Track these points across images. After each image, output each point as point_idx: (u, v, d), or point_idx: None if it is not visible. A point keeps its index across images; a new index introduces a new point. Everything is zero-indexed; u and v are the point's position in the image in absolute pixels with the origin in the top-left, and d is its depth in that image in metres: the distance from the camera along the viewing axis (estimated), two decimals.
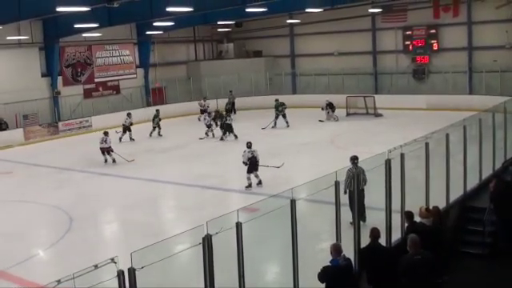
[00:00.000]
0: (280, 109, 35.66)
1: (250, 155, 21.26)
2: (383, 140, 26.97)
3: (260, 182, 21.31)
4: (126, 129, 33.46)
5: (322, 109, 37.75)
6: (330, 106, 37.60)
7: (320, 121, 36.34)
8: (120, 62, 44.31)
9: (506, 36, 38.63)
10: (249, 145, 21.69)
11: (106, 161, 27.01)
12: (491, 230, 14.45)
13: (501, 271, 12.81)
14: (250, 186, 21.16)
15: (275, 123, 35.38)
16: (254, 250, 9.97)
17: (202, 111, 38.53)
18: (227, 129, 31.54)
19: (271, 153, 26.84)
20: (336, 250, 9.75)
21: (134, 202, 20.67)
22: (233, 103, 43.43)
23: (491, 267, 13.36)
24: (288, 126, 34.81)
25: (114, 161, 27.01)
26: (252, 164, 21.27)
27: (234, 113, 41.93)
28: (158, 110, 36.12)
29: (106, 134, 27.30)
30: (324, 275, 9.63)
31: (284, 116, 35.35)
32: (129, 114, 34.17)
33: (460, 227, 15.14)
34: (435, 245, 10.36)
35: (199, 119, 38.53)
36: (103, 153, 26.97)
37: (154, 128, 35.03)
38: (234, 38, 51.81)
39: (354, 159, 15.20)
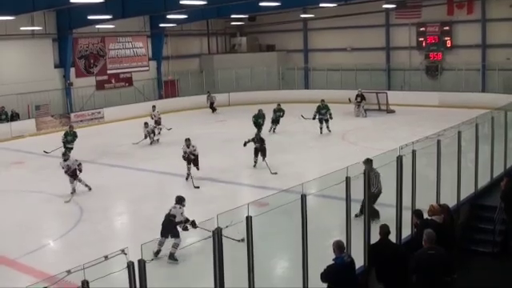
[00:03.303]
0: (278, 114, 32.39)
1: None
2: (395, 136, 26.96)
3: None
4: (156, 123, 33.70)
5: (350, 100, 37.67)
6: (362, 98, 37.64)
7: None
8: (133, 55, 44.35)
9: None
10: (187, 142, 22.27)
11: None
12: (501, 229, 14.44)
13: (511, 270, 12.77)
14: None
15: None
16: (263, 244, 9.98)
17: (156, 122, 33.42)
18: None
19: (281, 148, 26.87)
20: (339, 247, 9.70)
21: (145, 194, 20.74)
22: (211, 103, 42.39)
23: (501, 266, 13.33)
24: (274, 132, 32.02)
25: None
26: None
27: (213, 112, 41.83)
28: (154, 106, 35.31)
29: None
30: (329, 274, 9.54)
31: (276, 123, 32.25)
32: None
33: (470, 225, 15.12)
34: (445, 242, 10.33)
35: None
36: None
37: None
38: (247, 32, 51.75)
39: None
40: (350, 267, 9.79)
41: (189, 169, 22.22)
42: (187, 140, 22.56)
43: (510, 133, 17.67)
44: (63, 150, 24.48)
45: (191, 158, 22.23)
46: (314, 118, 31.01)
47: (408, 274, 9.99)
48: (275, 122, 32.15)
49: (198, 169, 22.25)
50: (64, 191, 20.88)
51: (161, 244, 13.35)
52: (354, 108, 37.52)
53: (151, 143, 29.61)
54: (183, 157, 22.35)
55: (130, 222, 18.63)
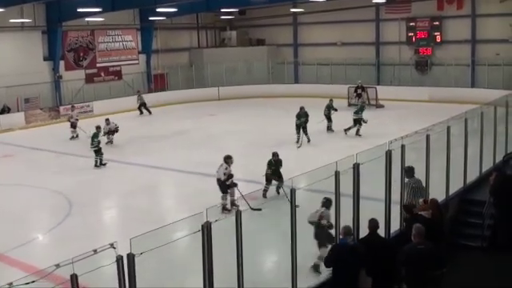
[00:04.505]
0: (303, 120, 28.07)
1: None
2: (384, 131, 26.99)
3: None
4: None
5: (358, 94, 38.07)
6: (363, 89, 38.03)
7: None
8: (122, 48, 44.24)
9: (509, 30, 38.48)
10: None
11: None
12: (490, 223, 14.51)
13: (499, 264, 12.83)
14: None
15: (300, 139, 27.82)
16: (253, 238, 9.99)
17: (72, 125, 31.25)
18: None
19: (272, 144, 26.83)
20: (346, 231, 10.12)
21: (134, 188, 20.70)
22: (141, 104, 39.40)
23: (490, 260, 13.38)
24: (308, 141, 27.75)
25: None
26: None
27: (141, 113, 39.08)
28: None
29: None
30: (331, 253, 10.02)
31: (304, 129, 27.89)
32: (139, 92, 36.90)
33: (459, 220, 15.19)
34: (435, 237, 10.37)
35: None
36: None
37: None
38: (237, 26, 51.68)
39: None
40: (353, 250, 9.97)
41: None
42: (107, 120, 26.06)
43: (499, 128, 17.75)
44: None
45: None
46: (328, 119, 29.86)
47: (397, 267, 10.03)
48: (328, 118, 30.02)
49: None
50: (52, 185, 20.86)
51: (223, 199, 16.81)
52: (355, 101, 37.71)
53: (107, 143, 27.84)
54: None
55: (120, 216, 18.60)
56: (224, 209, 15.92)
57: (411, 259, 9.74)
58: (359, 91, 38.41)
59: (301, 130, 27.23)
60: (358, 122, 28.33)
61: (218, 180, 17.30)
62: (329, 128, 29.76)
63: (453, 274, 11.11)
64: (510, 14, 38.35)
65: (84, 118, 36.94)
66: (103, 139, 26.49)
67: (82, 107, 38.40)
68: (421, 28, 42.59)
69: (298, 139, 26.87)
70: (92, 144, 24.33)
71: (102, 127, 26.50)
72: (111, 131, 27.98)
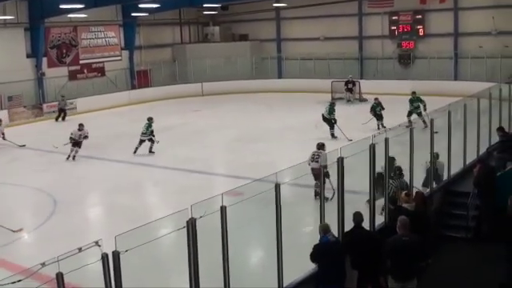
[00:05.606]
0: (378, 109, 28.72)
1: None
2: (368, 125, 27.09)
3: None
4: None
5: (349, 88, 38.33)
6: (354, 84, 38.43)
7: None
8: (105, 44, 43.94)
9: (492, 22, 38.67)
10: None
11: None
12: (475, 214, 14.66)
13: (484, 254, 12.93)
14: None
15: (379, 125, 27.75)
16: (238, 233, 10.00)
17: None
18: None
19: (256, 137, 26.93)
20: (324, 229, 10.07)
21: (119, 185, 20.67)
22: (61, 109, 37.16)
23: (475, 251, 13.49)
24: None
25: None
26: None
27: (62, 119, 36.66)
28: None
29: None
30: (315, 252, 9.93)
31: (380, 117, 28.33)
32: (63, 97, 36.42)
33: (444, 211, 15.30)
34: (419, 229, 10.42)
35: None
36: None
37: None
38: (220, 22, 51.53)
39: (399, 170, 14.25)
40: (335, 246, 10.04)
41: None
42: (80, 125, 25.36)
43: (482, 120, 17.86)
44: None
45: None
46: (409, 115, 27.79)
47: (382, 259, 10.08)
48: (415, 113, 27.90)
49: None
50: (36, 183, 20.78)
51: (316, 186, 15.65)
52: (345, 95, 38.23)
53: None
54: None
55: (105, 214, 18.55)
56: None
57: (396, 251, 9.78)
58: (350, 86, 38.57)
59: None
60: (330, 122, 27.52)
61: (315, 169, 15.38)
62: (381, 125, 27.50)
63: (438, 265, 11.19)
64: (492, 6, 38.61)
65: (67, 116, 36.85)
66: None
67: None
68: (403, 22, 42.72)
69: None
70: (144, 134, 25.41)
71: (72, 132, 25.37)
72: (85, 137, 25.66)
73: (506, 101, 20.34)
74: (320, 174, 12.16)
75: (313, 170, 15.04)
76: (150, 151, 25.37)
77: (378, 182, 12.67)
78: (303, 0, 43.56)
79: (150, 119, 25.78)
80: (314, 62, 45.52)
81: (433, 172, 15.30)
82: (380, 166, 12.73)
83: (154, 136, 25.33)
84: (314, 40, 46.67)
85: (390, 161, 13.34)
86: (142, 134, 25.40)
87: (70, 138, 25.02)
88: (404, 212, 11.02)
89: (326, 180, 15.54)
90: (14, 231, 15.80)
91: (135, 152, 25.13)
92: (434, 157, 15.41)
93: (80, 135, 25.06)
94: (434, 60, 40.42)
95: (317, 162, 16.41)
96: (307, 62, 46.11)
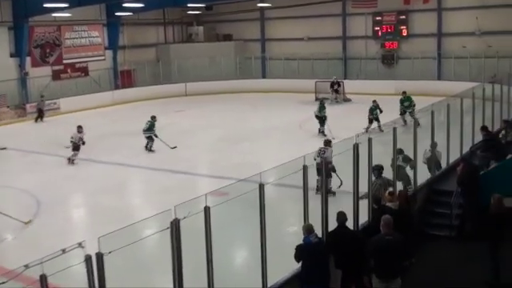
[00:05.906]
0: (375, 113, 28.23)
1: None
2: (351, 125, 27.12)
3: None
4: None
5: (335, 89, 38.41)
6: (339, 85, 38.45)
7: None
8: (89, 44, 43.70)
9: (475, 22, 38.89)
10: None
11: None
12: (458, 213, 14.75)
13: (467, 253, 13.02)
14: None
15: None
16: (222, 234, 9.99)
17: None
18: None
19: (240, 137, 26.92)
20: (307, 229, 10.06)
21: (103, 186, 20.58)
22: (39, 110, 36.78)
23: (458, 249, 13.59)
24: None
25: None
26: None
27: (41, 119, 36.35)
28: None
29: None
30: (298, 253, 9.96)
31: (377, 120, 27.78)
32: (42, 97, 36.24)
33: (428, 210, 15.38)
34: (403, 228, 10.46)
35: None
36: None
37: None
38: (204, 21, 51.43)
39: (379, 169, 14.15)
40: (318, 247, 10.03)
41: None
42: (79, 127, 24.64)
43: (465, 119, 17.96)
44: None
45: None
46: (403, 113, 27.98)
47: (366, 258, 10.11)
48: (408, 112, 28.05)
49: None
50: (20, 184, 20.67)
51: (318, 182, 15.48)
52: (331, 96, 38.24)
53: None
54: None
55: (88, 215, 18.47)
56: (329, 192, 14.41)
57: (380, 250, 9.81)
58: (335, 87, 38.65)
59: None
60: (321, 119, 27.93)
61: (320, 164, 14.45)
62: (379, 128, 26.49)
63: (421, 264, 11.26)
64: (476, 6, 38.87)
65: (50, 116, 36.70)
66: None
67: (48, 104, 37.79)
68: (387, 22, 42.90)
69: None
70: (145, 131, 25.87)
71: (72, 135, 24.57)
72: (83, 142, 24.67)
73: (490, 100, 20.50)
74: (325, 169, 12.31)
75: (318, 164, 15.04)
76: (150, 150, 25.68)
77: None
78: (287, 0, 43.58)
79: (153, 118, 26.07)
80: (297, 62, 45.61)
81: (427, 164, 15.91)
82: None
83: (156, 135, 25.63)
84: (298, 40, 46.73)
85: (399, 152, 14.24)
86: (143, 131, 25.75)
87: (71, 141, 24.45)
88: (388, 211, 11.05)
89: (333, 174, 16.35)
90: (25, 223, 16.42)
91: (150, 149, 25.73)
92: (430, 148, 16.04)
93: (80, 138, 24.51)
94: (418, 60, 40.60)
95: (322, 157, 16.48)
96: (291, 62, 46.18)
